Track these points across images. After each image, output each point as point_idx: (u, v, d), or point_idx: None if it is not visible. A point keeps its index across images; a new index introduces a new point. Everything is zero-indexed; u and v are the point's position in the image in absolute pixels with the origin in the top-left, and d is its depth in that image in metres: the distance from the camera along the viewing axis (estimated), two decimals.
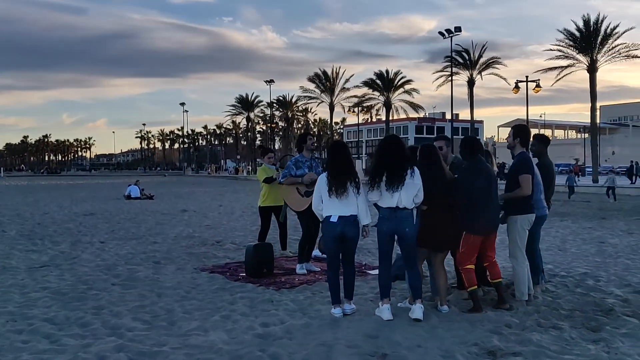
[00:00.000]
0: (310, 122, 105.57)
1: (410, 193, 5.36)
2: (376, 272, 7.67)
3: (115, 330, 5.11)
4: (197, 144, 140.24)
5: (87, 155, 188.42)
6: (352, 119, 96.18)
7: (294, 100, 79.71)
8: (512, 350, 4.54)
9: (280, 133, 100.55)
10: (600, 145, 48.29)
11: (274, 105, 75.70)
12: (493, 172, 5.76)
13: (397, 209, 5.38)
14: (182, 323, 5.32)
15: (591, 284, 7.00)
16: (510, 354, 4.46)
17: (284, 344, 4.69)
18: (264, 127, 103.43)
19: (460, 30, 42.03)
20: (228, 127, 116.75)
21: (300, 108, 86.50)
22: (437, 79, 52.96)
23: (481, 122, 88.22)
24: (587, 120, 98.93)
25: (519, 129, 6.20)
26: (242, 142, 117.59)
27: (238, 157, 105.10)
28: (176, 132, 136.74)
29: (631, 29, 51.10)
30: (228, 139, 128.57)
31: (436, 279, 5.86)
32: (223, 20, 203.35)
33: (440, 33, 43.11)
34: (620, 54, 39.66)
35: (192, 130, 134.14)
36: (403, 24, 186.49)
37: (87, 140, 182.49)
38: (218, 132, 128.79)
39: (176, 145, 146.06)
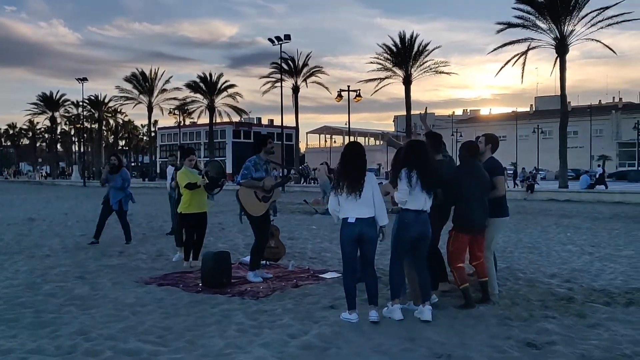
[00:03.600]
0: (120, 123, 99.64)
1: (430, 195, 5.54)
2: (330, 275, 7.72)
3: (137, 356, 4.48)
4: None
5: None
6: (166, 121, 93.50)
7: (106, 100, 75.10)
8: (544, 340, 4.90)
9: (85, 135, 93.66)
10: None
11: (85, 104, 70.28)
12: (486, 175, 6.11)
13: (422, 212, 5.51)
14: (202, 341, 4.83)
15: (525, 277, 7.73)
16: (545, 344, 4.81)
17: (343, 354, 4.53)
18: (67, 128, 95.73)
19: (289, 39, 43.16)
20: (24, 127, 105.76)
21: (111, 109, 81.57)
22: (264, 84, 54.19)
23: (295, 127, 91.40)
24: (377, 128, 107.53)
25: (491, 137, 6.66)
26: (41, 143, 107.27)
27: (40, 159, 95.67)
28: None
29: (438, 47, 57.20)
30: (23, 140, 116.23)
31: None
32: (4, 9, 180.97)
33: (270, 40, 43.82)
34: (430, 69, 44.27)
35: None
36: (204, 29, 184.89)
37: None
38: (11, 132, 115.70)
39: None
